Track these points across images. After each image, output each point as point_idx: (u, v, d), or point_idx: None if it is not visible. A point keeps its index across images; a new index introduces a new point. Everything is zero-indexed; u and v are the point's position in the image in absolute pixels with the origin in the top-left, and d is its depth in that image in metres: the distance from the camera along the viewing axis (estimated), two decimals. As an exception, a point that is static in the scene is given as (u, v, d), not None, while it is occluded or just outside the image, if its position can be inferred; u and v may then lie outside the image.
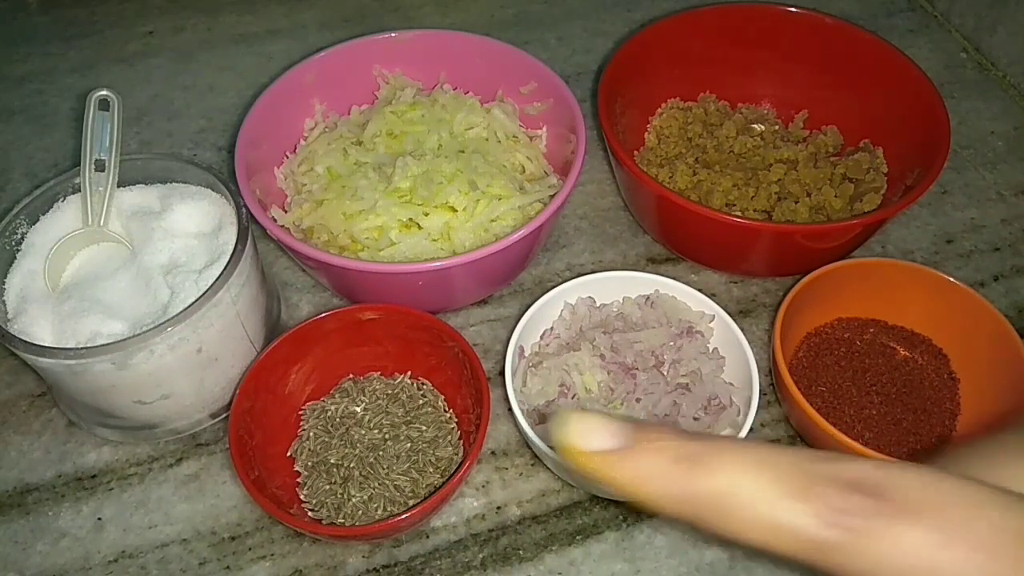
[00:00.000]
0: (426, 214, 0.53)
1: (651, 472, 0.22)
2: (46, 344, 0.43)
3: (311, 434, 0.48)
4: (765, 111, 0.65)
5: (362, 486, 0.45)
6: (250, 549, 0.46)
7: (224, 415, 0.50)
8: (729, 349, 0.48)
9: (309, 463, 0.47)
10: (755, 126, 0.64)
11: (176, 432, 0.49)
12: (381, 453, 0.46)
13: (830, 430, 0.43)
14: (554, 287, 0.49)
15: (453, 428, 0.48)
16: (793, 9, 0.62)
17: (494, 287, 0.56)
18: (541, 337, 0.50)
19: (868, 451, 0.43)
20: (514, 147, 0.59)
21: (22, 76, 0.73)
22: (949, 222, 0.62)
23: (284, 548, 0.46)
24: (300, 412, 0.49)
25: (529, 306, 0.48)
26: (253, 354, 0.49)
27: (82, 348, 0.42)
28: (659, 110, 0.65)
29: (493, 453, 0.50)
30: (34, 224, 0.49)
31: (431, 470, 0.46)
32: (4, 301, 0.46)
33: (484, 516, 0.47)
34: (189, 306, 0.42)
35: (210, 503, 0.48)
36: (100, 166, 0.48)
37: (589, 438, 0.23)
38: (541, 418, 0.46)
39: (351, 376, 0.50)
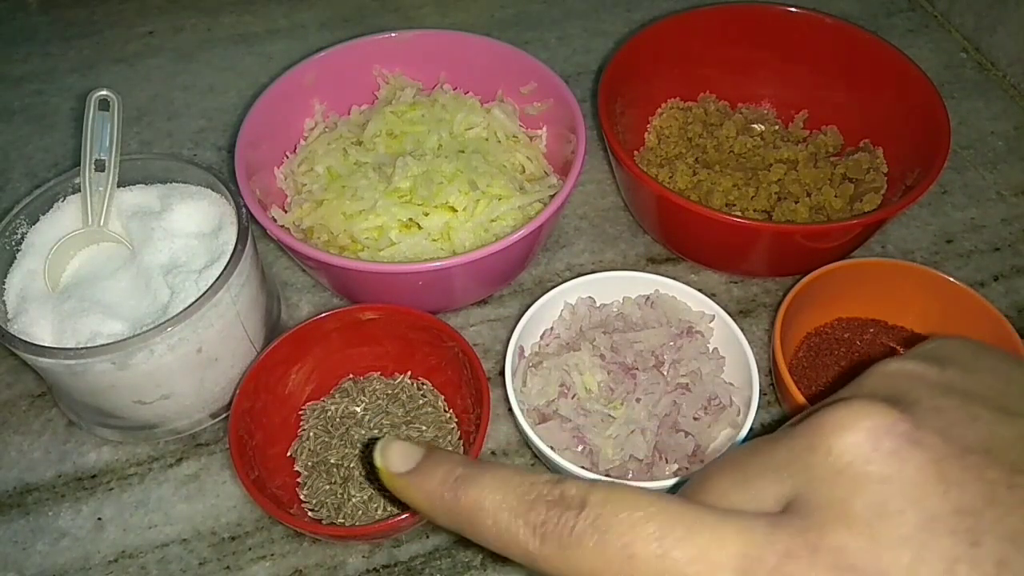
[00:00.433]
0: (426, 214, 0.53)
1: (427, 490, 0.26)
2: (46, 344, 0.43)
3: (311, 434, 0.48)
4: (765, 111, 0.65)
5: (362, 486, 0.45)
6: (250, 549, 0.46)
7: (224, 415, 0.50)
8: (729, 349, 0.48)
9: (309, 463, 0.47)
10: (755, 126, 0.64)
11: (176, 432, 0.49)
12: (381, 453, 0.46)
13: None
14: (554, 287, 0.50)
15: (453, 428, 0.48)
16: (793, 9, 0.62)
17: (494, 287, 0.56)
18: (541, 337, 0.50)
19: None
20: (514, 147, 0.59)
21: (22, 76, 0.73)
22: (949, 222, 0.62)
23: (284, 548, 0.46)
24: (300, 412, 0.49)
25: (529, 306, 0.48)
26: (253, 354, 0.49)
27: (82, 348, 0.42)
28: (659, 110, 0.65)
29: (493, 453, 0.50)
30: (34, 224, 0.49)
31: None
32: (4, 301, 0.46)
33: (484, 516, 0.47)
34: (189, 306, 0.42)
35: (210, 503, 0.48)
36: (100, 166, 0.48)
37: (392, 461, 0.28)
38: (541, 418, 0.46)
39: (351, 376, 0.50)
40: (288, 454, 0.48)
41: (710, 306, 0.49)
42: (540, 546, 0.23)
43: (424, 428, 0.48)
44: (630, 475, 0.44)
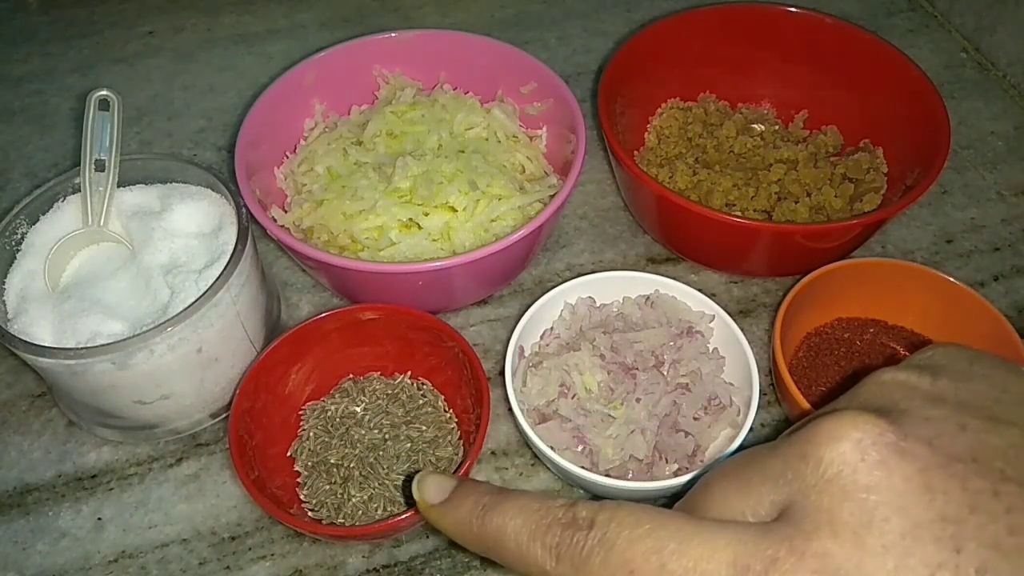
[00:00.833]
0: (426, 214, 0.53)
1: (457, 519, 0.29)
2: (46, 344, 0.43)
3: (311, 434, 0.48)
4: (765, 111, 0.65)
5: (362, 486, 0.45)
6: (250, 549, 0.46)
7: (224, 415, 0.50)
8: (729, 349, 0.48)
9: (309, 463, 0.47)
10: (755, 126, 0.64)
11: (176, 432, 0.49)
12: (381, 453, 0.46)
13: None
14: (554, 287, 0.49)
15: (453, 428, 0.48)
16: (793, 9, 0.62)
17: (494, 287, 0.56)
18: (541, 337, 0.50)
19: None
20: (514, 147, 0.59)
21: (22, 76, 0.73)
22: (949, 222, 0.62)
23: (284, 548, 0.46)
24: (300, 412, 0.49)
25: (529, 306, 0.48)
26: (253, 354, 0.49)
27: (82, 348, 0.42)
28: (659, 110, 0.65)
29: (493, 453, 0.50)
30: (34, 224, 0.49)
31: (431, 470, 0.46)
32: (4, 301, 0.46)
33: (484, 516, 0.47)
34: (189, 306, 0.42)
35: (210, 503, 0.48)
36: (100, 166, 0.48)
37: (427, 493, 0.31)
38: (541, 418, 0.46)
39: (351, 376, 0.50)
40: (288, 454, 0.48)
41: (710, 306, 0.49)
42: (556, 566, 0.25)
43: (424, 428, 0.48)
44: (630, 475, 0.44)
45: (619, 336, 0.48)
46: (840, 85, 0.62)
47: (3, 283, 0.47)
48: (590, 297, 0.51)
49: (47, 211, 0.49)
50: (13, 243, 0.48)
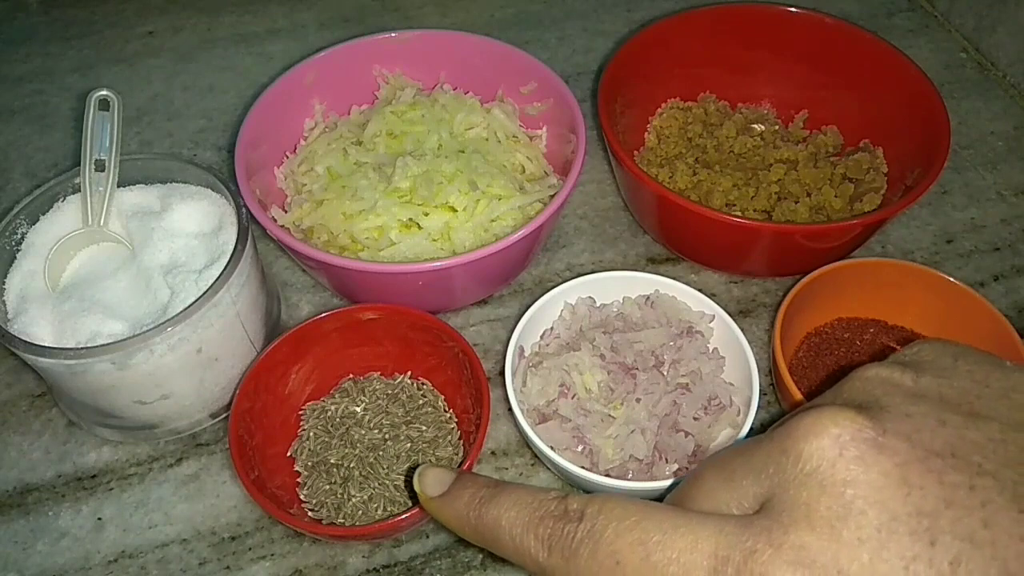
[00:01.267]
0: (426, 214, 0.53)
1: (456, 511, 0.29)
2: (46, 344, 0.43)
3: (311, 434, 0.48)
4: (765, 111, 0.65)
5: (362, 486, 0.45)
6: (250, 549, 0.46)
7: (224, 415, 0.50)
8: (729, 349, 0.48)
9: (309, 463, 0.47)
10: (755, 126, 0.64)
11: (176, 432, 0.49)
12: (381, 453, 0.46)
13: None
14: (554, 287, 0.49)
15: (453, 428, 0.48)
16: (793, 9, 0.62)
17: (494, 287, 0.56)
18: (541, 337, 0.50)
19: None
20: (514, 147, 0.59)
21: (22, 76, 0.73)
22: (949, 222, 0.62)
23: (284, 548, 0.46)
24: (300, 412, 0.49)
25: (529, 306, 0.48)
26: (253, 354, 0.49)
27: (82, 348, 0.42)
28: (659, 110, 0.65)
29: (493, 453, 0.50)
30: (34, 224, 0.49)
31: (432, 464, 0.46)
32: (4, 301, 0.46)
33: (484, 516, 0.47)
34: (189, 306, 0.42)
35: (210, 503, 0.48)
36: (100, 166, 0.48)
37: (427, 485, 0.32)
38: (541, 418, 0.46)
39: (351, 376, 0.50)
40: (288, 454, 0.48)
41: (710, 306, 0.49)
42: (548, 557, 0.25)
43: (424, 428, 0.48)
44: (630, 475, 0.44)
45: (619, 336, 0.48)
46: (840, 85, 0.62)
47: (3, 283, 0.47)
48: (590, 297, 0.51)
49: (47, 211, 0.49)
50: (13, 243, 0.48)
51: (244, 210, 0.48)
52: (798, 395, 0.45)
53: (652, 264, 0.59)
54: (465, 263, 0.46)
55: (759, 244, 0.52)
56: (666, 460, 0.44)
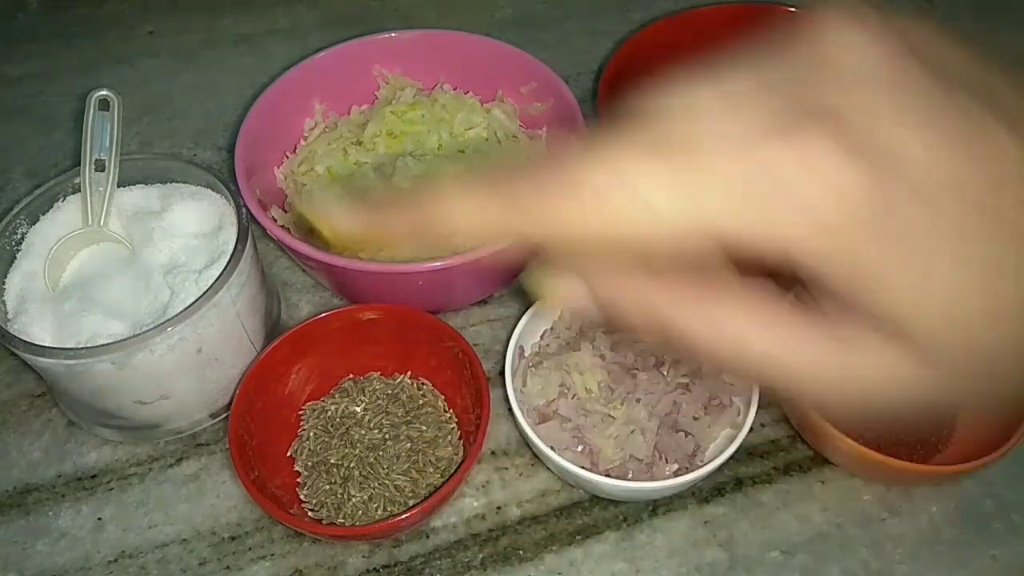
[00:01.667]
0: (426, 214, 0.53)
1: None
2: (46, 344, 0.43)
3: (311, 434, 0.48)
4: (765, 111, 0.65)
5: (362, 486, 0.45)
6: (250, 549, 0.46)
7: (224, 415, 0.50)
8: (729, 349, 0.48)
9: (309, 463, 0.47)
10: (755, 126, 0.64)
11: (176, 432, 0.49)
12: (381, 453, 0.46)
13: (830, 430, 0.43)
14: (554, 287, 0.49)
15: (453, 428, 0.48)
16: (793, 9, 0.62)
17: (494, 287, 0.56)
18: (541, 337, 0.50)
19: (868, 451, 0.43)
20: (514, 147, 0.59)
21: (22, 76, 0.73)
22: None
23: (284, 548, 0.46)
24: (300, 412, 0.49)
25: (529, 306, 0.48)
26: (253, 354, 0.49)
27: (82, 348, 0.42)
28: (659, 110, 0.65)
29: (493, 453, 0.50)
30: (34, 224, 0.49)
31: (431, 470, 0.46)
32: (4, 301, 0.46)
33: (484, 516, 0.47)
34: (189, 306, 0.42)
35: (210, 503, 0.48)
36: (100, 166, 0.48)
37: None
38: (541, 418, 0.46)
39: (351, 376, 0.50)
40: (288, 454, 0.48)
41: (710, 306, 0.49)
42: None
43: (424, 428, 0.48)
44: (630, 475, 0.44)
45: (619, 336, 0.48)
46: (840, 85, 0.62)
47: (3, 283, 0.47)
48: (590, 297, 0.51)
49: (47, 211, 0.49)
50: (13, 243, 0.48)
51: (244, 210, 0.48)
52: (798, 395, 0.44)
53: (652, 264, 0.59)
54: (465, 263, 0.46)
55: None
56: (666, 460, 0.44)
